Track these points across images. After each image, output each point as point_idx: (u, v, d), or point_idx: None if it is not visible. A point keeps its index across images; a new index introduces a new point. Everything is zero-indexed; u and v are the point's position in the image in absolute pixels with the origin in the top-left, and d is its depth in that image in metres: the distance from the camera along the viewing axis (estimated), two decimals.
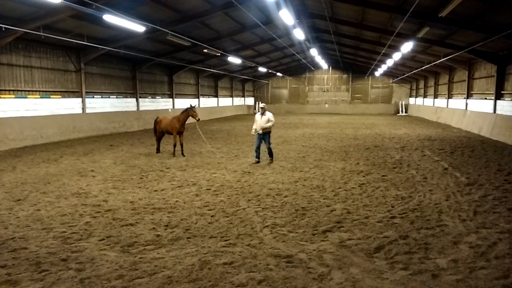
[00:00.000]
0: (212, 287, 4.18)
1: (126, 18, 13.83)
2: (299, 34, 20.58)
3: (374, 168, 10.86)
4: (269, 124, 11.49)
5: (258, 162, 11.75)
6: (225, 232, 5.80)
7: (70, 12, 13.43)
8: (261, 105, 12.16)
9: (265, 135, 11.56)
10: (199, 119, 12.84)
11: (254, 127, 11.68)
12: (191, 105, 12.93)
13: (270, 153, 11.95)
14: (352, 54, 35.18)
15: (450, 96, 28.90)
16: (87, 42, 17.29)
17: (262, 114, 11.58)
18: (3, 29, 13.00)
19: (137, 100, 25.27)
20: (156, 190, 8.39)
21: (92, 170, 10.64)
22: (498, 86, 19.72)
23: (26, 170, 10.60)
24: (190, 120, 13.19)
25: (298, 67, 45.00)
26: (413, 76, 36.59)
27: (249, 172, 10.36)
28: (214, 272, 4.48)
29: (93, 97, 21.09)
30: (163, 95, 28.94)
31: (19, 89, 16.48)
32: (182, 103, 30.74)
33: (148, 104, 26.78)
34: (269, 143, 11.78)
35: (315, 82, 47.94)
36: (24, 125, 16.19)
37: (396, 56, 25.52)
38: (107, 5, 12.73)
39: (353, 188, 8.58)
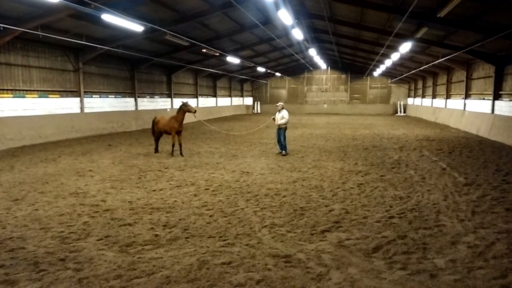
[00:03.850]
0: (211, 287, 4.17)
1: (124, 18, 13.81)
2: (297, 34, 20.57)
3: (372, 168, 10.87)
4: (283, 121, 12.99)
5: (281, 153, 13.33)
6: (224, 232, 5.80)
7: (69, 12, 13.39)
8: (279, 103, 13.61)
9: (280, 130, 13.13)
10: (195, 111, 12.94)
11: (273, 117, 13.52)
12: (182, 102, 13.11)
13: (284, 147, 13.25)
14: (351, 54, 35.19)
15: (448, 96, 28.95)
16: (85, 41, 17.25)
17: (279, 111, 13.16)
18: (1, 28, 12.95)
19: (135, 100, 25.22)
20: (154, 190, 8.39)
21: (90, 170, 10.62)
22: (496, 87, 19.76)
23: (24, 170, 10.57)
24: (191, 119, 13.24)
25: (296, 67, 44.99)
26: (411, 76, 36.64)
27: (248, 172, 10.36)
28: (212, 272, 4.48)
29: (92, 97, 21.04)
30: (161, 95, 28.90)
31: (17, 88, 16.42)
32: (179, 103, 30.72)
33: (147, 103, 26.73)
34: (284, 138, 13.19)
35: (313, 82, 47.96)
36: (22, 124, 16.14)
37: (395, 57, 25.57)
38: (106, 4, 12.71)
39: (352, 188, 8.59)
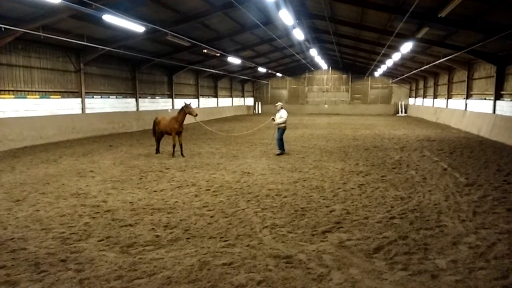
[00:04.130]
0: (212, 287, 4.18)
1: (125, 19, 13.83)
2: (298, 35, 20.59)
3: (373, 169, 10.86)
4: (281, 120, 13.36)
5: (283, 153, 13.65)
6: (225, 233, 5.80)
7: (70, 12, 13.42)
8: (278, 103, 14.08)
9: (278, 129, 13.56)
10: (196, 114, 12.88)
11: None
12: (185, 103, 13.06)
13: (279, 145, 13.58)
14: (352, 54, 35.18)
15: (449, 96, 28.92)
16: (86, 42, 17.29)
17: (278, 111, 13.55)
18: (3, 29, 12.98)
19: (136, 101, 25.25)
20: (155, 191, 8.39)
21: (91, 171, 10.63)
22: (497, 87, 19.74)
23: (25, 171, 10.59)
24: (190, 120, 13.21)
25: (297, 68, 45.01)
26: (412, 76, 36.61)
27: (249, 173, 10.36)
28: (213, 273, 4.48)
29: (93, 98, 21.08)
30: (162, 96, 28.93)
31: (19, 89, 16.47)
32: (182, 103, 30.72)
33: (148, 104, 26.77)
34: (279, 137, 13.53)
35: (314, 82, 47.95)
36: (24, 125, 16.16)
37: (396, 57, 25.55)
38: (107, 5, 12.73)
39: (353, 188, 8.59)
